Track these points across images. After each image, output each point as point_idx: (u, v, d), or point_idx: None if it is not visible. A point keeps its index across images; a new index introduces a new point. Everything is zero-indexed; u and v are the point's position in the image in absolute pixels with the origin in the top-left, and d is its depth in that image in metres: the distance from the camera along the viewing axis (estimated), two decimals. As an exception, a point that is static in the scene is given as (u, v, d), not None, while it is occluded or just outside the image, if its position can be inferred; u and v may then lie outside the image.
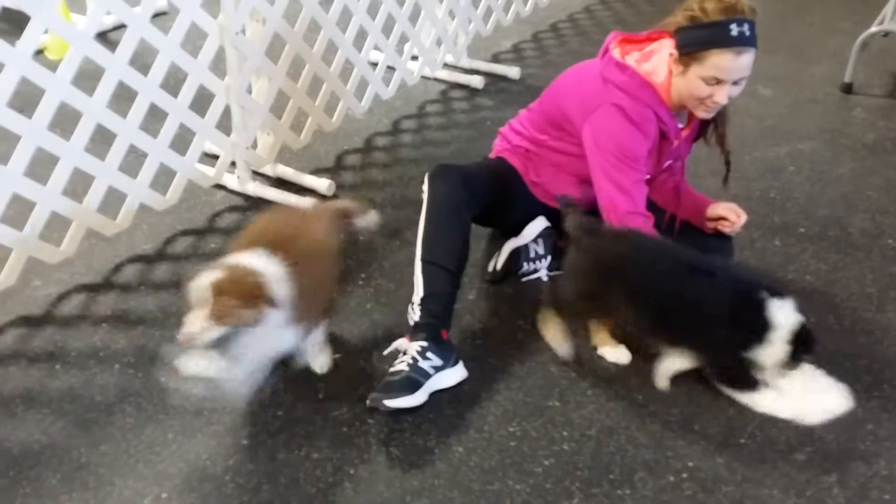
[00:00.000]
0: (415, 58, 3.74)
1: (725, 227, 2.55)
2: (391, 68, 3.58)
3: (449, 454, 2.08)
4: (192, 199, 3.04)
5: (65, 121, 2.51)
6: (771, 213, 3.03)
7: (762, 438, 2.13)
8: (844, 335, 2.47)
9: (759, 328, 2.14)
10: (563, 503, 1.95)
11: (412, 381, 2.14)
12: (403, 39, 3.56)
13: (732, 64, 2.22)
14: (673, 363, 2.26)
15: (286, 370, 2.31)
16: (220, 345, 1.97)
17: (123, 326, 2.47)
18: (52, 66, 2.37)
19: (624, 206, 2.38)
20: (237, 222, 2.96)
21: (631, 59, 2.40)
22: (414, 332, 2.25)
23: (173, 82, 2.70)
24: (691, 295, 2.19)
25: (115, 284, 2.64)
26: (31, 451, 2.07)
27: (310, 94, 3.16)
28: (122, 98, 2.57)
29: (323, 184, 3.11)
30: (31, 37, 2.27)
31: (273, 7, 2.86)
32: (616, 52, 2.42)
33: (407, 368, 2.16)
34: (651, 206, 2.50)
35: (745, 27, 2.22)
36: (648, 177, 2.50)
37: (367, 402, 2.13)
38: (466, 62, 4.12)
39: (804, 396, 2.22)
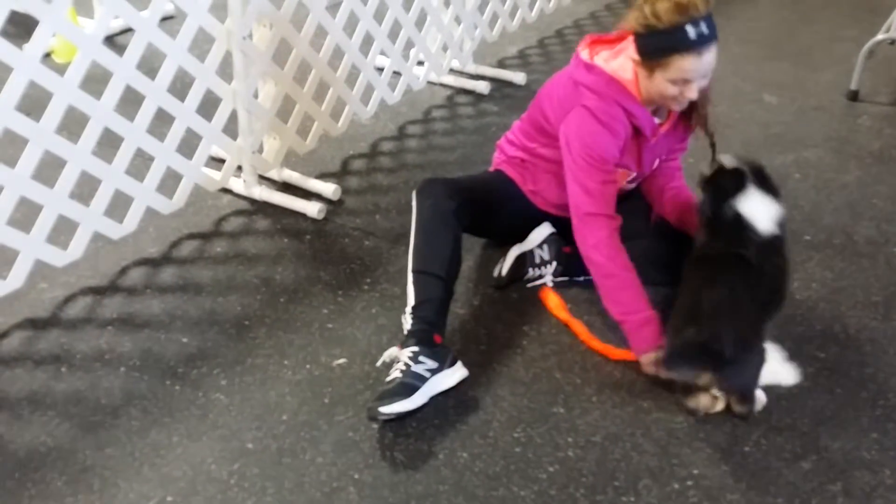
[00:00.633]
0: (421, 63, 3.75)
1: None
2: (397, 73, 3.58)
3: (454, 460, 2.08)
4: (199, 203, 3.04)
5: (72, 124, 2.51)
6: (776, 221, 3.03)
7: (767, 446, 2.12)
8: (850, 343, 2.47)
9: None
10: (568, 510, 1.96)
11: (407, 386, 2.14)
12: (409, 45, 3.56)
13: (696, 65, 2.22)
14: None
15: (293, 375, 2.32)
16: None
17: (129, 329, 2.47)
18: (60, 69, 2.37)
19: (584, 206, 2.39)
20: (243, 226, 2.97)
21: (599, 59, 2.41)
22: (405, 340, 2.26)
23: (180, 86, 2.71)
24: None
25: (121, 287, 2.65)
26: (37, 453, 2.07)
27: (316, 98, 3.16)
28: (130, 102, 2.57)
29: (329, 188, 3.12)
30: (40, 40, 2.28)
31: (280, 12, 2.86)
32: (585, 54, 2.44)
33: (400, 375, 2.17)
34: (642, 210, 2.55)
35: (703, 26, 2.19)
36: (634, 175, 2.53)
37: (365, 413, 2.14)
38: (472, 68, 4.13)
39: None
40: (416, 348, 2.21)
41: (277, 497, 1.97)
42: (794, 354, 2.40)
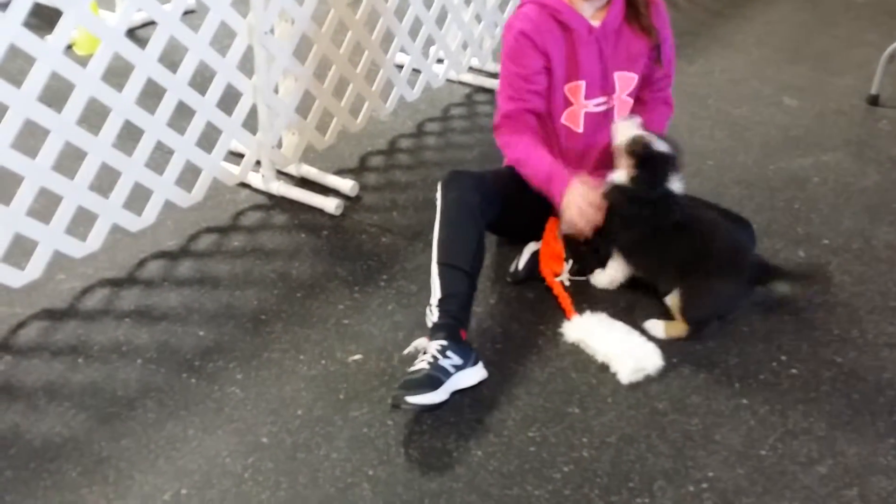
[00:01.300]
0: (440, 61, 3.75)
1: None
2: (417, 71, 3.58)
3: (468, 458, 2.07)
4: (217, 197, 3.05)
5: (93, 116, 2.52)
6: (795, 224, 3.02)
7: (783, 450, 2.12)
8: (868, 348, 2.45)
9: None
10: (582, 510, 1.95)
11: (433, 379, 2.13)
12: (430, 42, 3.56)
13: None
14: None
15: (309, 370, 2.32)
16: None
17: (146, 322, 2.48)
18: (82, 61, 2.38)
19: (495, 119, 2.58)
20: (261, 221, 2.97)
21: None
22: (433, 332, 2.26)
23: (200, 80, 2.71)
24: None
25: (138, 280, 2.66)
26: (53, 444, 2.08)
27: (336, 95, 3.16)
28: (151, 95, 2.58)
29: (346, 184, 3.12)
30: (63, 32, 2.28)
31: (302, 8, 2.86)
32: None
33: (427, 367, 2.16)
34: None
35: None
36: (584, 85, 2.55)
37: (389, 400, 2.13)
38: (492, 66, 4.12)
39: (622, 349, 2.36)
40: (445, 342, 2.20)
41: (291, 492, 1.98)
42: (811, 358, 2.40)
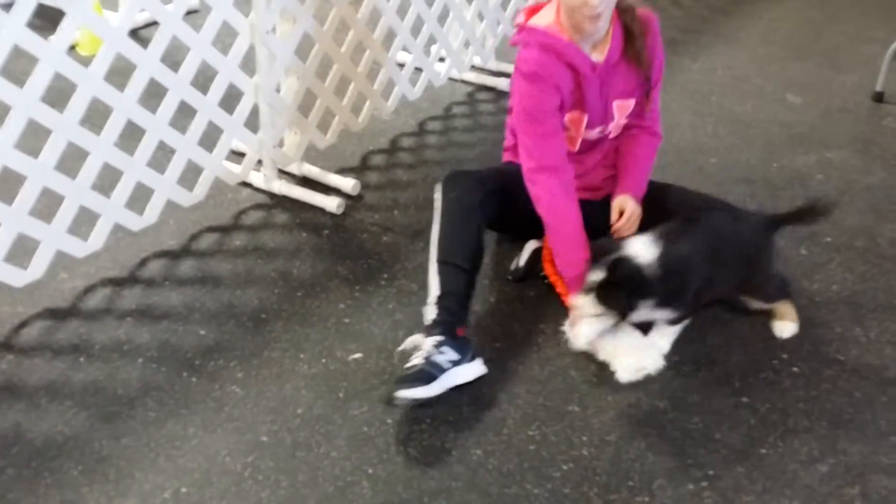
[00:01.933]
0: (442, 59, 3.74)
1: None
2: (418, 69, 3.58)
3: (467, 456, 2.08)
4: (219, 197, 3.05)
5: (95, 116, 2.53)
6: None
7: (784, 448, 2.11)
8: (871, 346, 2.45)
9: None
10: (581, 508, 1.95)
11: (426, 374, 2.14)
12: (431, 41, 3.56)
13: None
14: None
15: (309, 368, 2.33)
16: None
17: (147, 321, 2.49)
18: (85, 61, 2.39)
19: (526, 163, 2.47)
20: (262, 220, 2.98)
21: (530, 22, 2.45)
22: (430, 329, 2.26)
23: (202, 80, 2.72)
24: None
25: (140, 279, 2.67)
26: (54, 443, 2.09)
27: (337, 93, 3.17)
28: (152, 95, 2.58)
29: (348, 183, 3.12)
30: (66, 32, 2.29)
31: (303, 6, 2.87)
32: (519, 18, 2.49)
33: (422, 362, 2.17)
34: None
35: None
36: (587, 120, 2.51)
37: (383, 395, 2.14)
38: (494, 64, 4.12)
39: (622, 350, 2.34)
40: (440, 338, 2.21)
41: (291, 490, 1.98)
42: (813, 356, 2.39)
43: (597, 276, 2.21)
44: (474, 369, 2.27)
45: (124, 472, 2.02)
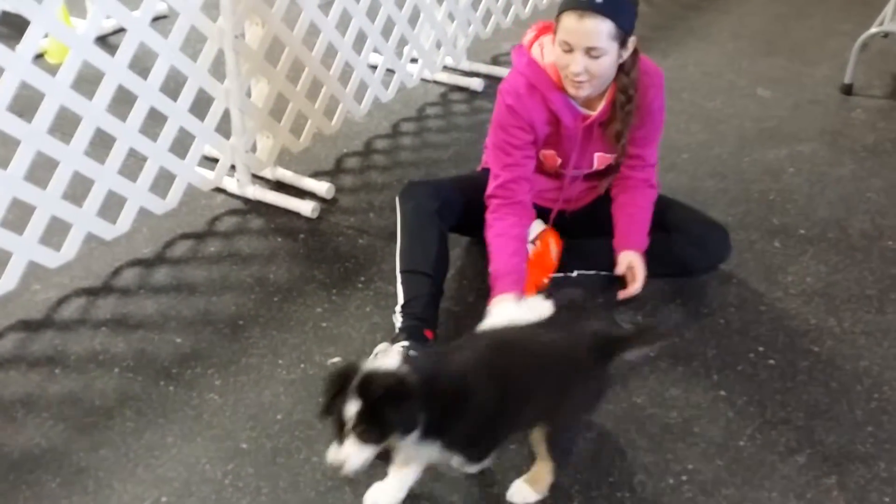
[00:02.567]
0: (414, 60, 3.74)
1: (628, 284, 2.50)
2: (390, 71, 3.58)
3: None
4: (192, 203, 3.04)
5: (65, 124, 2.51)
6: (770, 215, 3.03)
7: (762, 441, 2.12)
8: (845, 337, 2.47)
9: None
10: (563, 506, 1.96)
11: None
12: (403, 42, 3.56)
13: (575, 26, 2.18)
14: None
15: (288, 374, 2.32)
16: None
17: (123, 330, 2.47)
18: (52, 70, 2.37)
19: (488, 189, 2.45)
20: (237, 226, 2.96)
21: (538, 44, 2.40)
22: (396, 337, 2.27)
23: (173, 86, 2.70)
24: None
25: (114, 288, 2.65)
26: (31, 455, 2.07)
27: (309, 97, 3.16)
28: (122, 102, 2.57)
29: (322, 187, 3.11)
30: (31, 41, 2.27)
31: (272, 10, 2.86)
32: (527, 38, 2.44)
33: None
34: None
35: None
36: (560, 161, 2.50)
37: None
38: (466, 65, 4.12)
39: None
40: (405, 343, 2.21)
41: (272, 497, 1.97)
42: (788, 348, 2.41)
43: (351, 409, 1.63)
44: None
45: (103, 483, 2.00)
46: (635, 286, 2.47)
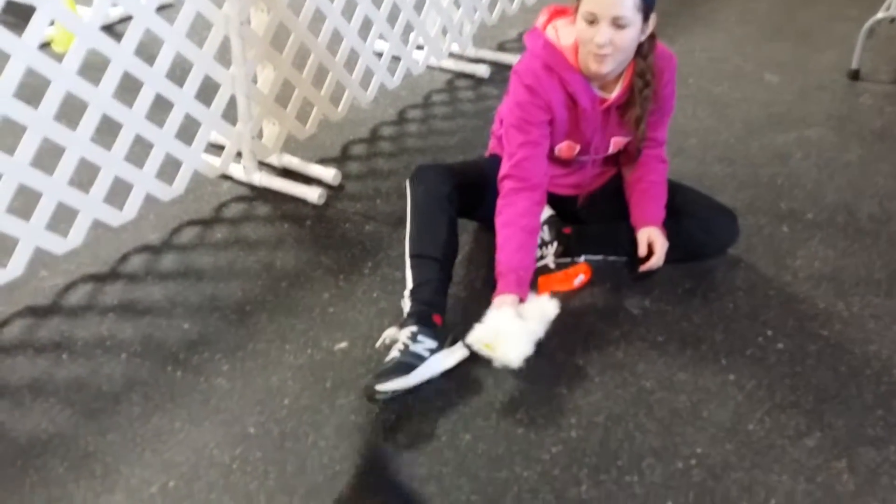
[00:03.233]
0: (420, 47, 3.73)
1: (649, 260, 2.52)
2: (396, 58, 3.57)
3: (456, 441, 2.07)
4: (199, 190, 3.03)
5: (71, 112, 2.50)
6: (778, 200, 3.02)
7: (771, 424, 2.12)
8: (853, 321, 2.46)
9: None
10: (571, 490, 1.95)
11: (405, 364, 2.14)
12: (409, 29, 3.54)
13: None
14: None
15: (295, 359, 2.31)
16: None
17: (130, 316, 2.47)
18: (59, 58, 2.36)
19: (504, 167, 2.43)
20: (243, 212, 2.96)
21: (552, 27, 2.39)
22: (404, 322, 2.26)
23: (179, 73, 2.70)
24: None
25: (121, 274, 2.65)
26: (38, 440, 2.07)
27: (315, 83, 3.15)
28: (128, 89, 2.56)
29: (329, 173, 3.11)
30: (37, 28, 2.26)
31: (277, -4, 2.85)
32: (541, 20, 2.43)
33: (398, 354, 2.17)
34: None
35: None
36: (579, 149, 2.50)
37: (363, 391, 2.14)
38: (472, 51, 4.11)
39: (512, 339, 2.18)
40: (414, 328, 2.21)
41: (280, 481, 1.97)
42: (797, 332, 2.40)
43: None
44: (456, 354, 2.26)
45: (111, 467, 2.00)
46: (655, 260, 2.47)
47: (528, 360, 2.27)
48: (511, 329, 2.19)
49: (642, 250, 2.50)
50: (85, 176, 2.57)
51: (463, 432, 2.10)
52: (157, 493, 1.94)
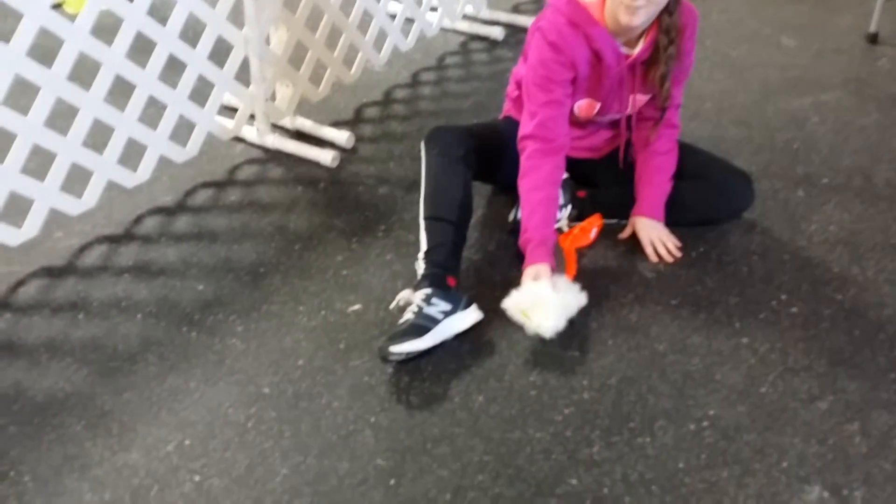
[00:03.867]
0: (434, 9, 3.70)
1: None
2: (410, 20, 3.54)
3: (469, 403, 2.08)
4: (212, 152, 3.03)
5: (84, 73, 2.50)
6: (794, 164, 3.00)
7: (784, 387, 2.12)
8: (868, 285, 2.45)
9: None
10: (584, 451, 1.96)
11: (418, 327, 2.15)
12: (422, -10, 3.52)
13: None
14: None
15: (309, 321, 2.32)
16: None
17: (145, 277, 2.48)
18: (72, 18, 2.36)
19: (524, 127, 2.42)
20: (257, 174, 2.96)
21: None
22: (418, 284, 2.26)
23: (192, 34, 2.68)
24: None
25: (136, 236, 2.65)
26: (56, 399, 2.09)
27: (328, 45, 3.13)
28: (141, 50, 2.56)
29: (342, 136, 3.10)
30: (49, -14, 2.26)
31: (291, -44, 2.83)
32: None
33: (412, 316, 2.17)
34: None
35: None
36: (599, 108, 2.49)
37: (377, 353, 2.15)
38: (486, 13, 4.08)
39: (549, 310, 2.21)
40: (428, 290, 2.21)
41: (294, 440, 1.99)
42: (812, 296, 2.39)
43: None
44: (470, 317, 2.27)
45: (127, 426, 2.02)
46: (665, 257, 2.52)
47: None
48: (549, 299, 2.21)
49: (649, 252, 2.52)
50: (99, 137, 2.57)
51: (476, 394, 2.11)
52: (174, 451, 1.96)
